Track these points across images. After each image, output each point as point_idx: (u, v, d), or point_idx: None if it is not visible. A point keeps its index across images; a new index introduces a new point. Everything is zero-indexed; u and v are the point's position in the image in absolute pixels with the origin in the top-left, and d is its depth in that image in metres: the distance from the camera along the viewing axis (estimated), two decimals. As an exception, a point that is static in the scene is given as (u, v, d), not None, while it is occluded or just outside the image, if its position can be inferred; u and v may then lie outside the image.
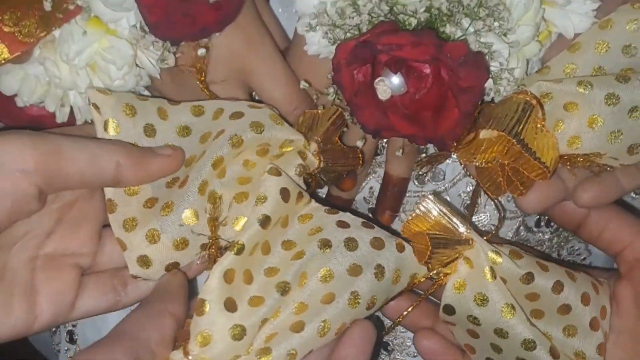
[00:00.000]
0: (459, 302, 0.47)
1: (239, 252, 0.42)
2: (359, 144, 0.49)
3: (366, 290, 0.44)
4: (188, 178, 0.45)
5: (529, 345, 0.46)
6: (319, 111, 0.48)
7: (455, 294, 0.46)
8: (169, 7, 0.43)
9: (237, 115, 0.46)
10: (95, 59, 0.48)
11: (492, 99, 0.46)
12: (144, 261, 0.46)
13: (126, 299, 0.47)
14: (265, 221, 0.43)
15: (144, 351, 0.40)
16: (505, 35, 0.44)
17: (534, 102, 0.45)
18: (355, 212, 0.49)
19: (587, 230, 0.50)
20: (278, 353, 0.42)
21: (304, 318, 0.42)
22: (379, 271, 0.44)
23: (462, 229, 0.46)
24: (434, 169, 0.55)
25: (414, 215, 0.46)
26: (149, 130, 0.46)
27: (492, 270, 0.45)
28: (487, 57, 0.44)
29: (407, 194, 0.55)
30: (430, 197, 0.46)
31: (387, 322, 0.57)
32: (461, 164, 0.51)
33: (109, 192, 0.46)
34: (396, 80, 0.44)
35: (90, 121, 0.50)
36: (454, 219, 0.46)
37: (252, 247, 0.43)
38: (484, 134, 0.45)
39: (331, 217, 0.46)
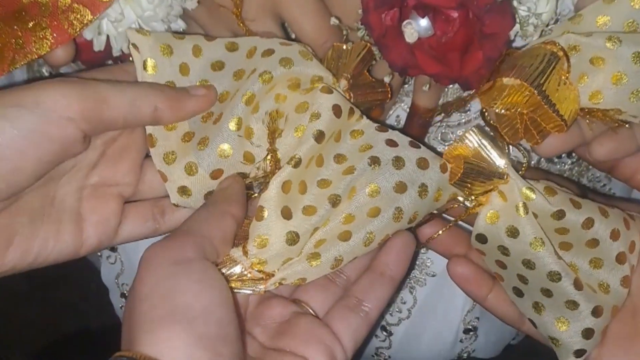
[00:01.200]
0: (491, 232, 0.48)
1: (296, 165, 0.45)
2: (387, 79, 0.50)
3: (410, 206, 0.46)
4: (222, 115, 0.47)
5: (555, 276, 0.47)
6: (347, 46, 0.49)
7: (488, 224, 0.48)
8: None
9: (268, 52, 0.48)
10: (128, -11, 0.48)
11: (519, 46, 0.46)
12: (184, 191, 0.49)
13: (164, 226, 0.50)
14: (319, 136, 0.46)
15: (208, 247, 0.43)
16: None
17: (560, 53, 0.45)
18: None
19: (620, 172, 0.51)
20: (326, 258, 0.45)
21: (351, 228, 0.46)
22: (423, 189, 0.47)
23: (499, 162, 0.47)
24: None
25: (457, 141, 0.48)
26: (184, 69, 0.48)
27: (524, 205, 0.47)
28: (515, 1, 0.44)
29: (432, 124, 0.56)
30: (474, 129, 0.47)
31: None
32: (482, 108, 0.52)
33: (149, 127, 0.49)
34: (424, 23, 0.44)
35: (125, 52, 0.52)
36: (493, 152, 0.47)
37: (308, 160, 0.46)
38: (507, 81, 0.45)
39: (381, 135, 0.48)
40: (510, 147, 0.49)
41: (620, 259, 0.49)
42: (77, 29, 0.47)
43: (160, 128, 0.49)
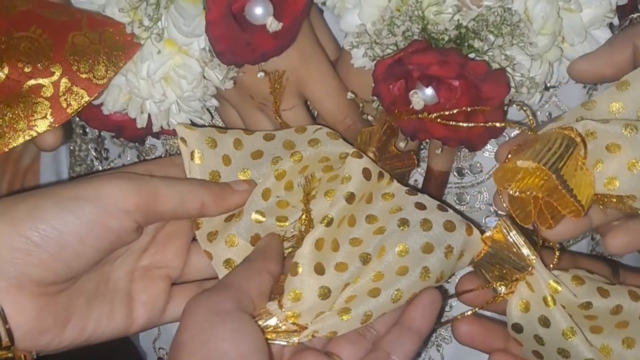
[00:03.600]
0: (525, 321, 0.50)
1: (329, 224, 0.49)
2: (402, 144, 0.55)
3: (436, 266, 0.49)
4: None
5: None
6: (374, 127, 0.53)
7: (522, 313, 0.50)
8: (234, 37, 0.49)
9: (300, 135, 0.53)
10: (169, 74, 0.54)
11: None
12: (229, 263, 0.52)
13: None
14: (350, 197, 0.49)
15: (246, 300, 0.46)
16: (527, 47, 0.48)
17: (578, 139, 0.46)
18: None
19: None
20: (356, 313, 0.48)
21: (380, 285, 0.48)
22: (449, 250, 0.49)
23: (528, 255, 0.49)
24: (471, 162, 0.59)
25: (496, 230, 0.50)
26: (226, 160, 0.53)
27: (552, 297, 0.49)
28: (510, 68, 0.48)
29: (448, 186, 0.59)
30: (506, 221, 0.50)
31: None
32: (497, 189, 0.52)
33: None
34: (429, 92, 0.49)
35: (165, 127, 0.57)
36: (523, 247, 0.49)
37: (340, 220, 0.49)
38: (521, 163, 0.46)
39: (410, 198, 0.51)
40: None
41: None
42: (75, 110, 0.52)
43: None
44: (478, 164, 0.59)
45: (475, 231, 0.51)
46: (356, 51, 0.51)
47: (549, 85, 0.52)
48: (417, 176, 0.60)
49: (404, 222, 0.49)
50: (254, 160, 0.53)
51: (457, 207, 0.60)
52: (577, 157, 0.47)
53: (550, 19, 0.48)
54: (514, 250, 0.50)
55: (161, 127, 0.58)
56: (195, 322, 0.45)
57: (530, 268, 0.49)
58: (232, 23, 0.49)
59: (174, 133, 0.59)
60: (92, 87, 0.52)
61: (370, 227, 0.50)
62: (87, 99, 0.53)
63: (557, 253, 0.51)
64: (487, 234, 0.51)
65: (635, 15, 0.56)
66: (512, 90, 0.49)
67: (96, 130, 0.67)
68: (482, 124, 0.48)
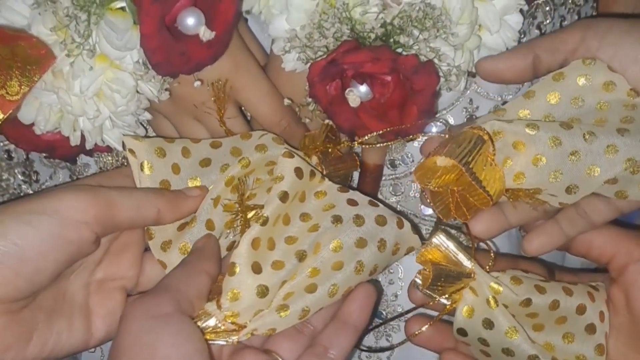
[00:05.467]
0: (469, 326, 0.52)
1: (264, 223, 0.50)
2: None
3: (370, 260, 0.51)
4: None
5: (534, 359, 0.52)
6: (315, 131, 0.55)
7: (466, 318, 0.52)
8: (169, 48, 0.50)
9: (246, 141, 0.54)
10: (102, 89, 0.54)
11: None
12: None
13: None
14: (284, 196, 0.50)
15: (185, 302, 0.47)
16: (449, 38, 0.51)
17: (485, 137, 0.50)
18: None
19: (575, 249, 0.56)
20: (294, 309, 0.49)
21: (317, 281, 0.49)
22: (381, 244, 0.51)
23: (465, 263, 0.52)
24: (402, 154, 0.62)
25: (428, 246, 0.52)
26: (175, 169, 0.54)
27: (494, 298, 0.51)
28: (436, 59, 0.51)
29: (383, 178, 0.61)
30: (441, 235, 0.52)
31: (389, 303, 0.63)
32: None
33: None
34: (363, 89, 0.51)
35: (99, 143, 0.57)
36: (459, 255, 0.52)
37: (275, 219, 0.50)
38: (439, 161, 0.50)
39: (342, 195, 0.53)
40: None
41: (590, 330, 0.53)
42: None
43: None
44: (409, 154, 0.62)
45: (406, 224, 0.53)
46: (288, 55, 0.53)
47: (473, 71, 0.55)
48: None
49: (337, 219, 0.51)
50: (202, 168, 0.54)
51: (393, 197, 0.63)
52: (486, 153, 0.50)
53: (467, 9, 0.51)
54: (453, 259, 0.52)
55: (94, 144, 0.57)
56: (135, 327, 0.45)
57: (472, 274, 0.52)
58: (166, 34, 0.50)
59: (107, 150, 0.59)
60: (6, 104, 0.52)
61: (305, 224, 0.51)
62: (0, 116, 0.52)
63: (492, 255, 0.54)
64: (425, 247, 0.53)
65: (539, 1, 0.60)
66: (442, 79, 0.52)
67: (24, 153, 0.66)
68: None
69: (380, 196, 0.62)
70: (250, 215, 0.52)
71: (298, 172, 0.51)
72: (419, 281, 0.53)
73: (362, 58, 0.49)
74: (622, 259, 0.54)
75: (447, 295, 0.53)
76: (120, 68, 0.53)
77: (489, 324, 0.52)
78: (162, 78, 0.53)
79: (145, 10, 0.49)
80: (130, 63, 0.53)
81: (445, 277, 0.52)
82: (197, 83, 0.53)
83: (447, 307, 0.53)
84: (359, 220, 0.51)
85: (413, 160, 0.62)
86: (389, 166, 0.62)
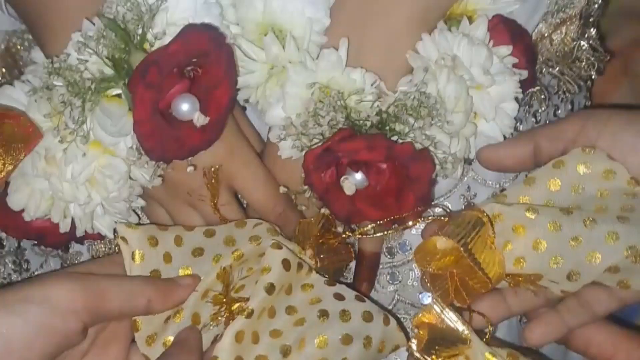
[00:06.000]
0: None
1: (249, 316, 0.49)
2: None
3: (355, 357, 0.50)
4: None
5: None
6: (311, 220, 0.55)
7: None
8: (162, 134, 0.50)
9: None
10: (94, 175, 0.53)
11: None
12: None
13: None
14: (270, 288, 0.49)
15: None
16: (444, 126, 0.51)
17: (485, 219, 0.50)
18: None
19: (574, 344, 0.55)
20: None
21: None
22: (367, 342, 0.50)
23: (461, 328, 0.51)
24: (400, 241, 0.61)
25: (425, 310, 0.52)
26: (167, 258, 0.53)
27: None
28: (432, 147, 0.51)
29: (380, 267, 0.60)
30: (436, 303, 0.51)
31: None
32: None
33: None
34: (359, 176, 0.51)
35: (89, 231, 0.56)
36: (455, 320, 0.51)
37: (260, 312, 0.49)
38: (439, 244, 0.50)
39: (329, 289, 0.52)
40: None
41: None
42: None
43: None
44: (407, 242, 0.61)
45: (392, 321, 0.52)
46: (283, 143, 0.53)
47: (470, 158, 0.55)
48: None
49: (323, 314, 0.50)
50: (195, 258, 0.53)
51: (391, 286, 0.62)
52: (486, 236, 0.51)
53: (461, 97, 0.52)
54: (450, 327, 0.51)
55: (85, 231, 0.56)
56: None
57: (468, 342, 0.51)
58: (160, 120, 0.50)
59: (98, 237, 0.58)
60: None
61: (290, 318, 0.51)
62: (-12, 194, 0.51)
63: (490, 328, 0.53)
64: (421, 314, 0.52)
65: (534, 89, 0.61)
66: (438, 166, 0.51)
67: (15, 242, 0.65)
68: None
69: (377, 284, 0.61)
70: (234, 307, 0.51)
71: (285, 263, 0.51)
72: (414, 346, 0.52)
73: (357, 146, 0.49)
74: None
75: None
76: (114, 154, 0.53)
77: None
78: (155, 164, 0.53)
79: (139, 96, 0.49)
80: (124, 149, 0.52)
81: (441, 341, 0.51)
82: (190, 168, 0.53)
83: None
84: (345, 315, 0.50)
85: (411, 248, 0.61)
86: (387, 254, 0.61)
